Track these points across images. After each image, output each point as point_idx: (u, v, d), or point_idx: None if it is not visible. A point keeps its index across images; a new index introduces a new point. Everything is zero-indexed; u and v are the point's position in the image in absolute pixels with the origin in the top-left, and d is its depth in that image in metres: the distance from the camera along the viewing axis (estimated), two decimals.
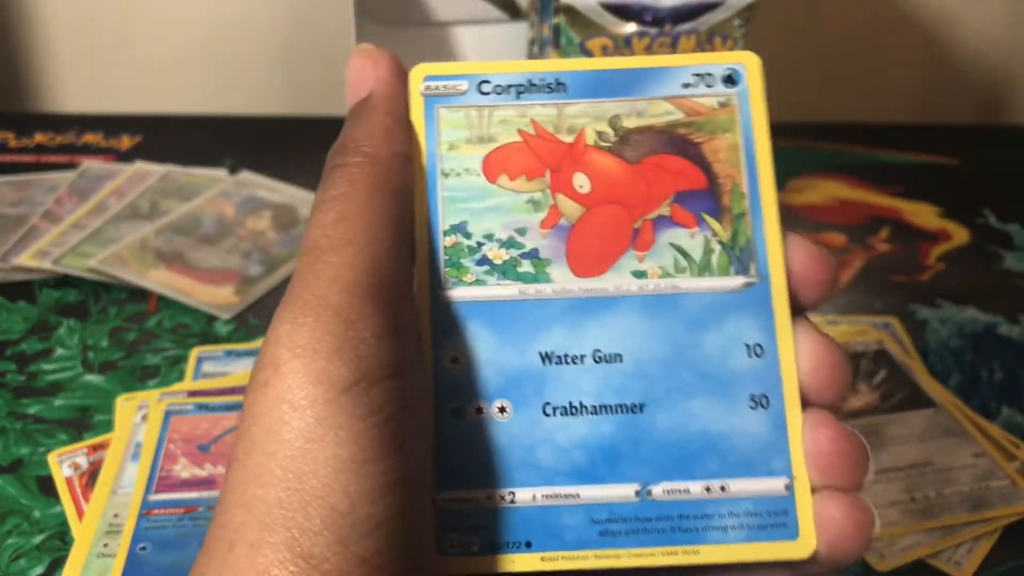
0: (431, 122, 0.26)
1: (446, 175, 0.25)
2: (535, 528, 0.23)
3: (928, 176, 0.66)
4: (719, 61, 0.26)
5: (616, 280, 0.25)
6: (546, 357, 0.24)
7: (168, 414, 0.42)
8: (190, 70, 0.75)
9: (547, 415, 0.24)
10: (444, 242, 0.25)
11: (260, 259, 0.55)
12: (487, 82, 0.26)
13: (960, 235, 0.60)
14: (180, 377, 0.46)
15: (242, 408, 0.22)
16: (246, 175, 0.63)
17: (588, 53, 0.48)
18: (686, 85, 0.26)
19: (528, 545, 0.23)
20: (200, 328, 0.50)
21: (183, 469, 0.40)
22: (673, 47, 0.48)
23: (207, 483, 0.39)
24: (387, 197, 0.24)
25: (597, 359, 0.24)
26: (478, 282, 0.25)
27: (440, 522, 0.23)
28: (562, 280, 0.25)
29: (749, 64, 0.26)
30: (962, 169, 0.67)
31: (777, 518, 0.24)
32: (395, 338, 0.22)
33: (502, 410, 0.24)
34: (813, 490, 0.24)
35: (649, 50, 0.48)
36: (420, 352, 0.24)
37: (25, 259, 0.54)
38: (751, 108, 0.26)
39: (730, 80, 0.26)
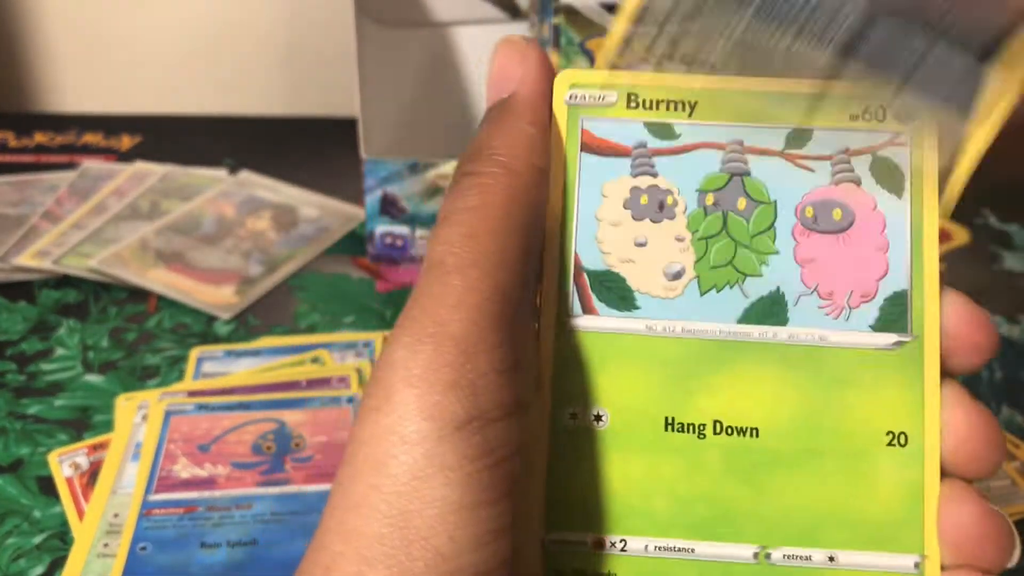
0: (574, 135, 0.23)
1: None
2: None
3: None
4: None
5: (762, 326, 0.23)
6: (673, 407, 0.23)
7: (168, 414, 0.42)
8: (190, 70, 0.75)
9: (671, 463, 0.23)
10: (575, 268, 0.23)
11: (260, 259, 0.55)
12: (636, 96, 0.24)
13: (960, 235, 0.60)
14: (180, 377, 0.46)
15: (351, 430, 0.21)
16: (246, 175, 0.63)
17: (588, 53, 0.48)
18: (854, 117, 0.24)
19: None
20: (200, 328, 0.50)
21: (183, 469, 0.40)
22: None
23: (207, 483, 0.39)
24: (521, 216, 0.22)
25: (733, 412, 0.23)
26: (609, 313, 0.23)
27: (547, 563, 0.22)
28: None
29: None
30: None
31: None
32: (514, 374, 0.21)
33: (622, 451, 0.23)
34: (945, 568, 0.22)
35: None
36: (538, 388, 0.22)
37: (25, 259, 0.54)
38: (924, 148, 0.23)
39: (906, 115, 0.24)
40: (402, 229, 0.54)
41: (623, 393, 0.23)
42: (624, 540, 0.22)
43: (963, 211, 0.62)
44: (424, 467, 0.19)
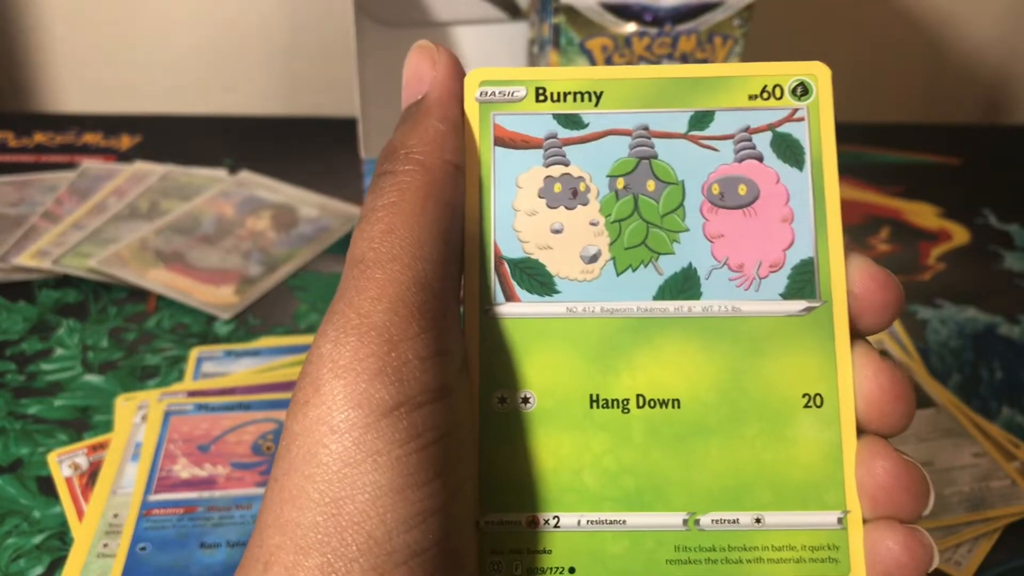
0: (486, 130, 0.25)
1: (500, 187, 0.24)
2: (579, 554, 0.23)
3: (928, 176, 0.66)
4: (788, 72, 0.25)
5: (677, 301, 0.24)
6: (597, 385, 0.23)
7: (168, 414, 0.42)
8: (190, 70, 0.75)
9: (598, 439, 0.23)
10: (495, 257, 0.24)
11: (260, 259, 0.55)
12: (544, 90, 0.25)
13: (960, 235, 0.60)
14: (180, 377, 0.46)
15: (284, 425, 0.21)
16: (246, 175, 0.63)
17: (588, 53, 0.48)
18: (752, 97, 0.25)
19: (571, 571, 0.23)
20: (200, 328, 0.50)
21: (183, 469, 0.40)
22: (673, 47, 0.48)
23: (207, 483, 0.39)
24: (437, 209, 0.23)
25: (654, 386, 0.23)
26: (531, 299, 0.24)
27: (483, 545, 0.23)
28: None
29: (820, 76, 0.25)
30: (962, 169, 0.67)
31: (828, 551, 0.23)
32: (439, 360, 0.21)
33: (549, 430, 0.23)
34: (867, 521, 0.23)
35: (649, 50, 0.48)
36: (465, 373, 0.23)
37: (25, 259, 0.54)
38: (821, 122, 0.25)
39: (802, 92, 0.25)
40: None
41: (548, 375, 0.24)
42: (557, 517, 0.23)
43: (963, 211, 0.62)
44: (354, 454, 0.20)
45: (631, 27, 0.47)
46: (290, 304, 0.52)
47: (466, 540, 0.22)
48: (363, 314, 0.21)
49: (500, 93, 0.25)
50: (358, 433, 0.20)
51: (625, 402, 0.24)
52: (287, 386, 0.45)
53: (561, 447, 0.23)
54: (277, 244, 0.57)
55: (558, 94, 0.25)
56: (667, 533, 0.23)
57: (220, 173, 0.63)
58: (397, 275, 0.21)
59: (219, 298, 0.52)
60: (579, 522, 0.23)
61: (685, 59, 0.48)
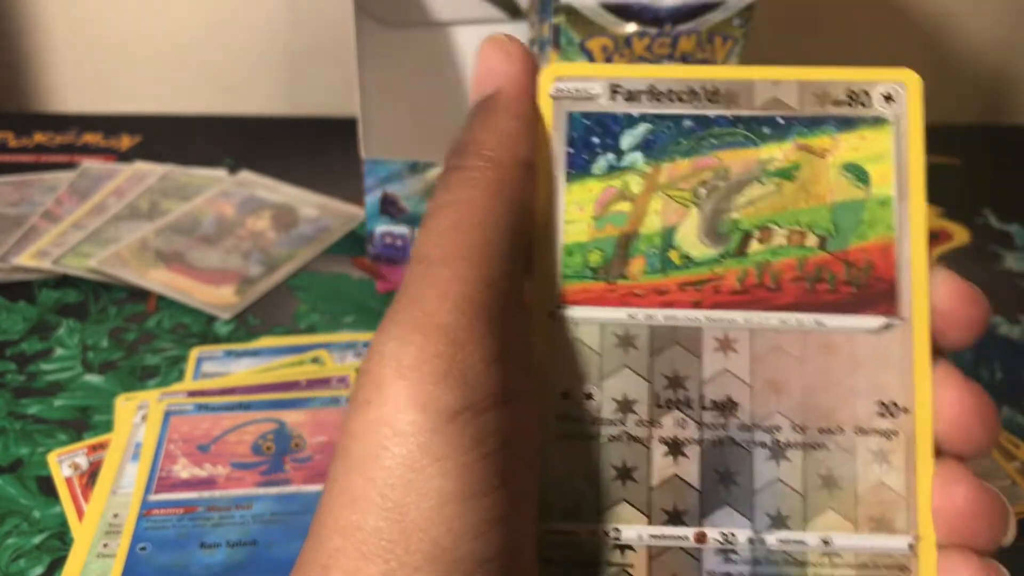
0: (559, 127, 0.24)
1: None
2: (639, 569, 0.22)
3: (928, 176, 0.66)
4: (877, 78, 0.24)
5: (757, 312, 0.23)
6: (661, 394, 0.23)
7: (168, 414, 0.42)
8: (190, 70, 0.75)
9: (661, 450, 0.23)
10: (564, 259, 0.23)
11: (260, 259, 0.55)
12: (619, 87, 0.24)
13: (960, 235, 0.60)
14: (180, 377, 0.46)
15: (343, 423, 0.21)
16: (246, 175, 0.63)
17: (588, 53, 0.48)
18: (838, 102, 0.24)
19: None
20: (200, 328, 0.50)
21: (183, 469, 0.40)
22: (673, 47, 0.48)
23: (207, 483, 0.39)
24: (506, 208, 0.22)
25: (721, 397, 0.23)
26: (595, 302, 0.23)
27: (541, 554, 0.22)
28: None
29: (909, 83, 0.24)
30: (962, 169, 0.67)
31: (899, 574, 0.22)
32: (505, 364, 0.21)
33: (612, 439, 0.23)
34: (941, 548, 0.22)
35: (649, 50, 0.48)
36: (528, 377, 0.22)
37: (25, 259, 0.54)
38: (908, 131, 0.24)
39: (888, 99, 0.24)
40: (402, 229, 0.54)
41: (612, 380, 0.23)
42: (619, 529, 0.22)
43: (963, 211, 0.62)
44: (418, 459, 0.19)
45: (631, 27, 0.47)
46: (290, 304, 0.52)
47: (531, 550, 0.22)
48: (429, 312, 0.20)
49: (576, 90, 0.24)
50: (424, 437, 0.19)
51: (691, 411, 0.23)
52: (287, 386, 0.45)
53: (625, 456, 0.23)
54: (277, 244, 0.57)
55: (634, 93, 0.24)
56: (731, 551, 0.22)
57: (220, 173, 0.63)
58: (464, 274, 0.21)
59: (219, 298, 0.52)
60: (640, 536, 0.22)
61: (685, 59, 0.48)
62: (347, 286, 0.54)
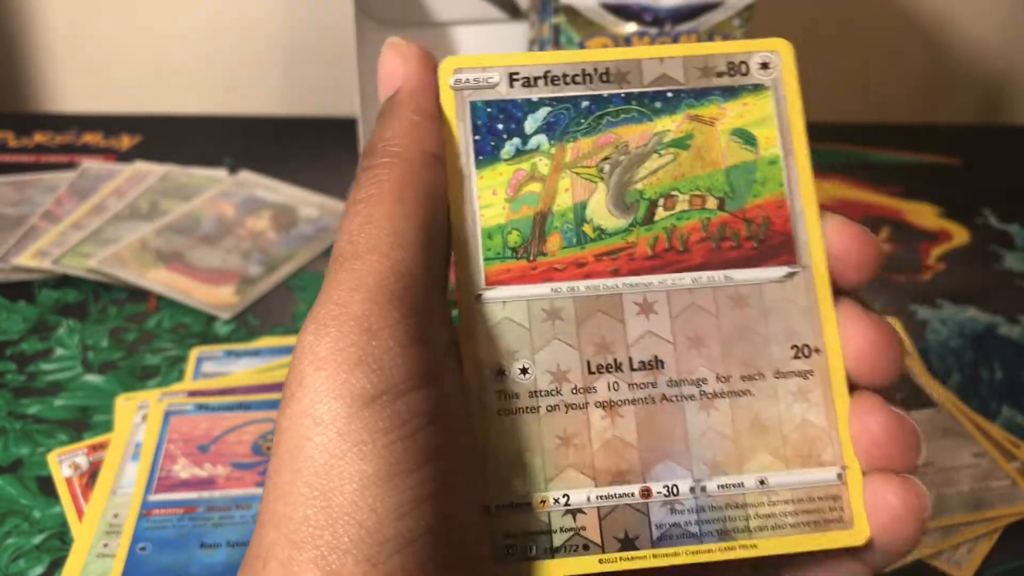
0: (463, 116, 0.25)
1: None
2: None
3: (928, 176, 0.66)
4: (752, 49, 0.26)
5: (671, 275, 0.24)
6: (591, 360, 0.24)
7: (168, 414, 0.42)
8: (190, 70, 0.75)
9: (599, 414, 0.24)
10: (484, 242, 0.24)
11: (260, 259, 0.55)
12: (517, 74, 0.25)
13: (960, 235, 0.60)
14: (180, 377, 0.46)
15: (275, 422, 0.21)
16: (246, 175, 0.63)
17: None
18: (720, 74, 0.25)
19: (585, 548, 0.23)
20: (200, 328, 0.50)
21: (183, 469, 0.40)
22: None
23: (207, 483, 0.39)
24: (416, 198, 0.23)
25: (648, 357, 0.24)
26: (518, 280, 0.24)
27: (496, 529, 0.23)
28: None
29: (783, 51, 0.26)
30: (962, 169, 0.67)
31: (830, 507, 0.24)
32: (421, 347, 0.21)
33: (551, 409, 0.24)
34: (865, 473, 0.24)
35: None
36: (453, 358, 0.23)
37: (25, 259, 0.54)
38: (786, 94, 0.25)
39: (765, 67, 0.26)
40: None
41: (543, 352, 0.24)
42: (567, 495, 0.23)
43: (963, 211, 0.62)
44: (338, 445, 0.20)
45: (631, 27, 0.47)
46: (290, 304, 0.52)
47: (470, 525, 0.22)
48: (341, 304, 0.21)
49: (475, 79, 0.25)
50: (341, 424, 0.20)
51: (621, 373, 0.24)
52: None
53: (565, 424, 0.23)
54: (277, 244, 0.57)
55: (531, 79, 0.25)
56: (676, 502, 0.23)
57: (220, 173, 0.63)
58: (375, 265, 0.21)
59: (219, 298, 0.52)
60: (588, 498, 0.23)
61: None
62: None
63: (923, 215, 0.62)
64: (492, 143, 0.25)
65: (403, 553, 0.20)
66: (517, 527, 0.23)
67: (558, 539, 0.23)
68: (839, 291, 0.25)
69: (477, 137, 0.25)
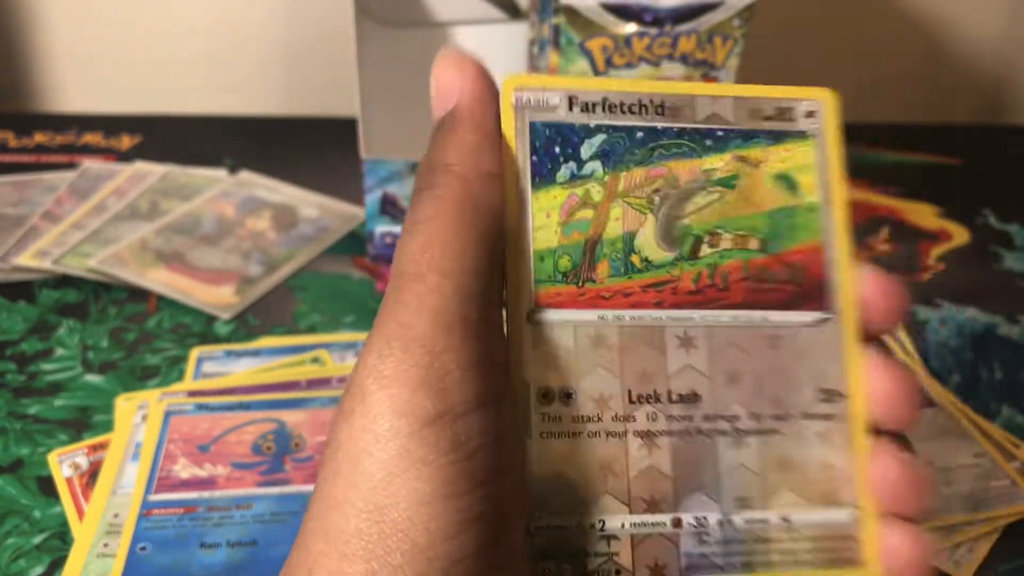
0: (523, 136, 0.25)
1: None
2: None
3: (928, 176, 0.66)
4: (800, 96, 0.26)
5: (712, 311, 0.25)
6: (632, 390, 0.24)
7: (168, 414, 0.42)
8: (190, 70, 0.75)
9: (637, 443, 0.24)
10: (536, 264, 0.24)
11: (260, 259, 0.55)
12: (576, 98, 0.25)
13: (960, 235, 0.60)
14: (180, 377, 0.46)
15: (329, 432, 0.22)
16: (246, 175, 0.63)
17: (588, 53, 0.48)
18: (767, 117, 0.26)
19: (617, 573, 0.24)
20: (200, 328, 0.50)
21: (183, 469, 0.40)
22: (673, 47, 0.48)
23: (207, 483, 0.39)
24: (475, 219, 0.23)
25: (686, 390, 0.24)
26: (567, 305, 0.24)
27: (533, 549, 0.23)
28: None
29: (827, 101, 0.26)
30: (962, 169, 0.67)
31: (846, 547, 0.24)
32: (481, 369, 0.22)
33: (592, 436, 0.24)
34: (880, 518, 0.25)
35: (649, 50, 0.48)
36: (509, 381, 0.23)
37: (25, 259, 0.54)
38: (827, 144, 0.26)
39: (810, 115, 0.26)
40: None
41: (589, 379, 0.24)
42: (603, 520, 0.24)
43: (963, 211, 0.62)
44: (397, 462, 0.20)
45: (631, 27, 0.47)
46: (290, 304, 0.52)
47: (516, 547, 0.22)
48: (405, 325, 0.21)
49: (536, 100, 0.25)
50: (402, 442, 0.20)
51: (660, 404, 0.24)
52: (287, 386, 0.45)
53: (604, 451, 0.24)
54: (277, 244, 0.57)
55: (590, 104, 0.25)
56: (705, 534, 0.24)
57: (220, 173, 0.63)
58: (437, 287, 0.22)
59: (219, 298, 0.52)
60: (623, 525, 0.24)
61: (685, 59, 0.48)
62: (347, 286, 0.54)
63: (923, 215, 0.62)
64: (549, 165, 0.25)
65: (451, 572, 0.20)
66: (554, 548, 0.23)
67: (592, 563, 0.24)
68: (867, 338, 0.25)
69: (535, 158, 0.25)
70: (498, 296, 0.23)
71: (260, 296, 0.53)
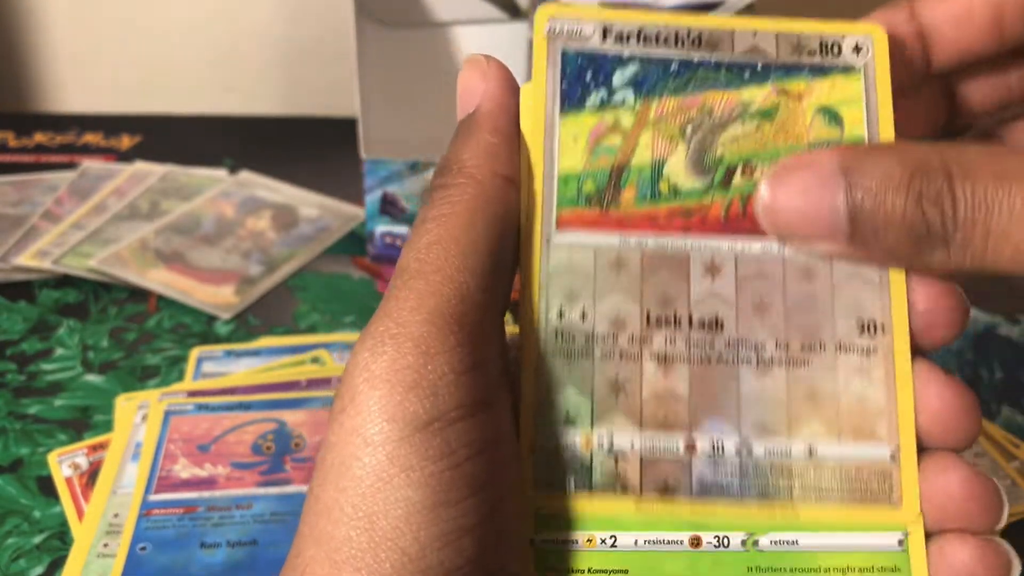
0: (554, 63, 0.24)
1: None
2: (637, 574, 0.23)
3: None
4: (847, 31, 0.25)
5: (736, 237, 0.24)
6: (651, 313, 0.24)
7: (168, 414, 0.42)
8: (190, 70, 0.75)
9: (652, 366, 0.23)
10: (560, 187, 0.24)
11: (260, 259, 0.55)
12: (610, 29, 0.25)
13: None
14: (180, 377, 0.46)
15: (324, 433, 0.21)
16: (246, 175, 0.63)
17: None
18: (811, 52, 0.25)
19: (624, 489, 0.23)
20: (200, 328, 0.50)
21: (183, 469, 0.40)
22: None
23: (207, 483, 0.39)
24: (485, 222, 0.23)
25: (708, 317, 0.24)
26: (588, 227, 0.24)
27: (539, 563, 0.23)
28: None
29: (877, 36, 0.25)
30: None
31: (879, 484, 0.23)
32: (476, 374, 0.21)
33: (605, 355, 0.23)
34: (936, 534, 0.23)
35: None
36: (505, 388, 0.23)
37: (25, 259, 0.54)
38: (876, 79, 0.25)
39: (857, 50, 0.25)
40: (402, 229, 0.54)
41: (606, 300, 0.24)
42: (614, 536, 0.23)
43: None
44: (387, 468, 0.20)
45: None
46: (290, 304, 0.52)
47: (513, 556, 0.22)
48: (400, 323, 0.21)
49: (569, 30, 0.25)
50: (391, 447, 0.20)
51: (679, 330, 0.24)
52: (287, 386, 0.45)
53: (617, 371, 0.23)
54: (277, 244, 0.57)
55: (624, 35, 0.25)
56: (726, 554, 0.23)
57: (220, 173, 0.63)
58: (438, 286, 0.21)
59: (219, 298, 0.52)
60: (636, 542, 0.23)
61: None
62: (347, 286, 0.54)
63: None
64: (579, 92, 0.24)
65: None
66: (561, 564, 0.23)
67: (597, 476, 0.23)
68: (916, 350, 0.24)
69: (565, 85, 0.24)
70: (501, 302, 0.23)
71: (260, 296, 0.53)
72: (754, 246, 0.24)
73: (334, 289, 0.54)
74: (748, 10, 0.48)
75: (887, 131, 0.25)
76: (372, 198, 0.54)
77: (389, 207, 0.54)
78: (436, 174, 0.24)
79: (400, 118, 0.55)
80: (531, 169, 0.24)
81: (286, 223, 0.59)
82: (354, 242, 0.57)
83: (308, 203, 0.61)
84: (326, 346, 0.48)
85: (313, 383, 0.45)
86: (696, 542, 0.23)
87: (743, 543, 0.23)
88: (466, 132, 0.24)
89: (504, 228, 0.23)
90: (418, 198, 0.53)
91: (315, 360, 0.47)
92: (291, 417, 0.42)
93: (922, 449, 0.23)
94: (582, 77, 0.25)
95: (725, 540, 0.23)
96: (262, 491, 0.39)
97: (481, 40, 0.56)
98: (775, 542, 0.23)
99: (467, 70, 0.25)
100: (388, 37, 0.54)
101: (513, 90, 0.25)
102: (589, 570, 0.23)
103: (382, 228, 0.54)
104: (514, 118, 0.24)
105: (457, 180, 0.23)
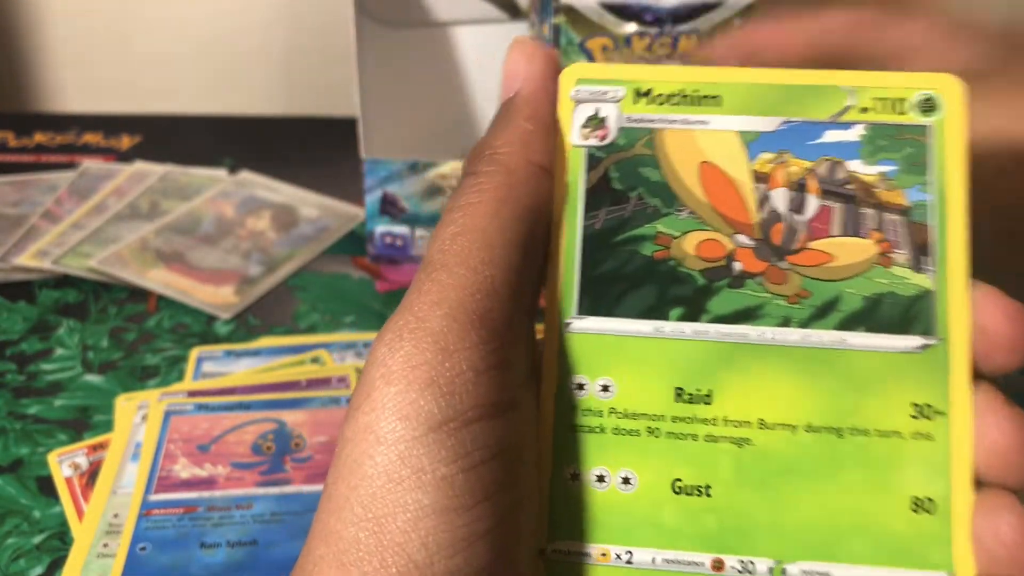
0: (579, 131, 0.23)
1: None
2: None
3: None
4: (913, 85, 0.22)
5: (774, 328, 0.21)
6: (679, 422, 0.21)
7: (168, 414, 0.42)
8: (190, 70, 0.75)
9: (678, 470, 0.21)
10: (583, 266, 0.22)
11: (260, 259, 0.55)
12: (643, 93, 0.23)
13: None
14: (180, 377, 0.46)
15: (340, 427, 0.21)
16: (246, 175, 0.63)
17: (588, 53, 0.48)
18: (864, 110, 0.22)
19: None
20: (200, 328, 0.50)
21: (183, 469, 0.40)
22: (673, 47, 0.48)
23: (207, 483, 0.39)
24: (514, 212, 0.21)
25: (742, 419, 0.21)
26: (616, 314, 0.22)
27: (549, 574, 0.21)
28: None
29: (948, 90, 0.22)
30: None
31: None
32: (497, 373, 0.20)
33: (627, 460, 0.22)
34: None
35: (649, 50, 0.48)
36: (530, 389, 0.21)
37: (25, 259, 0.54)
38: (947, 138, 0.22)
39: (927, 108, 0.22)
40: (402, 229, 0.54)
41: (630, 396, 0.22)
42: (631, 552, 0.21)
43: None
44: (398, 469, 0.19)
45: (631, 27, 0.47)
46: (290, 304, 0.52)
47: (524, 565, 0.21)
48: (420, 318, 0.20)
49: (598, 92, 0.23)
50: (404, 447, 0.19)
51: (711, 433, 0.21)
52: (287, 386, 0.45)
53: (640, 476, 0.22)
54: (277, 244, 0.57)
55: (662, 96, 0.23)
56: None
57: (220, 173, 0.63)
58: (461, 279, 0.20)
59: (219, 298, 0.52)
60: (654, 560, 0.21)
61: (685, 60, 0.48)
62: (347, 286, 0.54)
63: None
64: None
65: None
66: (570, 575, 0.21)
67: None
68: (981, 374, 0.21)
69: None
70: (530, 298, 0.22)
71: (260, 296, 0.53)
72: (793, 336, 0.22)
73: (334, 289, 0.54)
74: (748, 11, 0.48)
75: (957, 196, 0.22)
76: (372, 198, 0.54)
77: (389, 207, 0.54)
78: (468, 160, 0.22)
79: (400, 118, 0.55)
80: (555, 248, 0.22)
81: (286, 223, 0.59)
82: (354, 242, 0.57)
83: (308, 203, 0.61)
84: (326, 346, 0.48)
85: (313, 383, 0.45)
86: (719, 565, 0.21)
87: (770, 571, 0.21)
88: (503, 117, 0.23)
89: (535, 218, 0.22)
90: (418, 198, 0.53)
91: (315, 360, 0.47)
92: (291, 417, 0.42)
93: (977, 485, 0.21)
94: None
95: (750, 565, 0.21)
96: (262, 491, 0.39)
97: (481, 40, 0.56)
98: (806, 572, 0.21)
99: (512, 52, 0.23)
100: (388, 37, 0.54)
101: (555, 75, 0.23)
102: None
103: (382, 228, 0.54)
104: (552, 104, 0.23)
105: (488, 168, 0.22)
